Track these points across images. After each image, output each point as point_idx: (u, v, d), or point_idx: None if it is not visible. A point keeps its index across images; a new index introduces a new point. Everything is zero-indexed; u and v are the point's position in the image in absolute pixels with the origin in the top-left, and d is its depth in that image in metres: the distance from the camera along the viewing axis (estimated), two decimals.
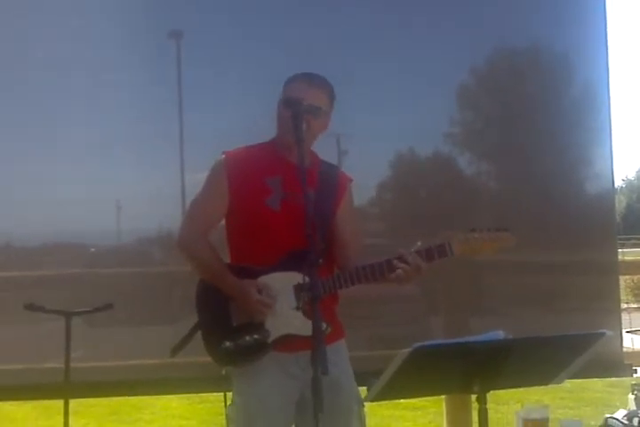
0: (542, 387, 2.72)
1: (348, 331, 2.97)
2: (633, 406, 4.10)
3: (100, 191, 3.94)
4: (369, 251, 3.18)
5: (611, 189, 4.44)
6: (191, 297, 2.89)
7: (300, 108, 2.66)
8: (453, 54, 4.17)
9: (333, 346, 2.73)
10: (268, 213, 2.78)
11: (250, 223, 2.81)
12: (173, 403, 6.66)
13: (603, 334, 2.52)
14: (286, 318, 2.71)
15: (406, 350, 2.28)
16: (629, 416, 3.98)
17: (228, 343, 2.75)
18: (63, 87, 4.00)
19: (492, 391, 2.48)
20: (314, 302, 2.41)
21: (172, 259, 3.94)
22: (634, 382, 4.24)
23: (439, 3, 4.31)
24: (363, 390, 2.86)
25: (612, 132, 4.24)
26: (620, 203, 46.15)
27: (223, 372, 2.86)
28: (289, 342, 2.72)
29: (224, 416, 2.88)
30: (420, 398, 4.94)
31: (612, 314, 4.23)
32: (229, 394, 2.87)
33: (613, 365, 4.12)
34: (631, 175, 62.48)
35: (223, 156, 2.88)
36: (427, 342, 2.35)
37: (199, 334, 2.86)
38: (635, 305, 12.62)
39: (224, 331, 2.78)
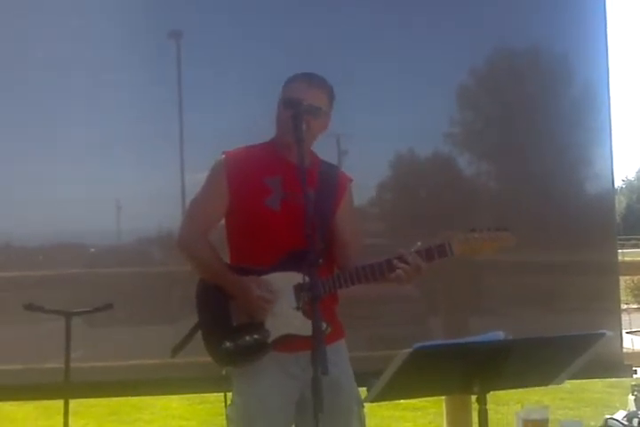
0: (542, 388, 2.72)
1: (348, 331, 2.97)
2: (633, 407, 4.09)
3: (100, 191, 3.94)
4: (369, 251, 3.18)
5: (611, 190, 4.44)
6: (191, 297, 2.89)
7: (300, 109, 2.66)
8: (453, 54, 4.17)
9: (333, 346, 2.73)
10: (267, 213, 2.78)
11: (250, 223, 2.81)
12: (173, 403, 6.66)
13: (603, 334, 2.52)
14: (286, 317, 2.71)
15: (406, 351, 2.28)
16: (629, 417, 3.97)
17: (228, 343, 2.75)
18: (63, 87, 4.00)
19: (492, 392, 2.47)
20: (314, 301, 2.41)
21: (171, 259, 3.94)
22: (634, 383, 4.23)
23: (439, 3, 4.31)
24: (363, 391, 2.85)
25: (612, 132, 4.25)
26: (620, 203, 46.14)
27: (223, 372, 2.86)
28: (289, 342, 2.72)
29: (224, 417, 2.87)
30: (419, 399, 4.95)
31: (611, 314, 4.23)
32: (229, 394, 2.86)
33: (613, 365, 4.12)
34: (631, 175, 62.56)
35: (223, 156, 2.88)
36: (427, 343, 2.34)
37: (199, 334, 2.85)
38: (635, 306, 12.64)
39: (224, 331, 2.78)
